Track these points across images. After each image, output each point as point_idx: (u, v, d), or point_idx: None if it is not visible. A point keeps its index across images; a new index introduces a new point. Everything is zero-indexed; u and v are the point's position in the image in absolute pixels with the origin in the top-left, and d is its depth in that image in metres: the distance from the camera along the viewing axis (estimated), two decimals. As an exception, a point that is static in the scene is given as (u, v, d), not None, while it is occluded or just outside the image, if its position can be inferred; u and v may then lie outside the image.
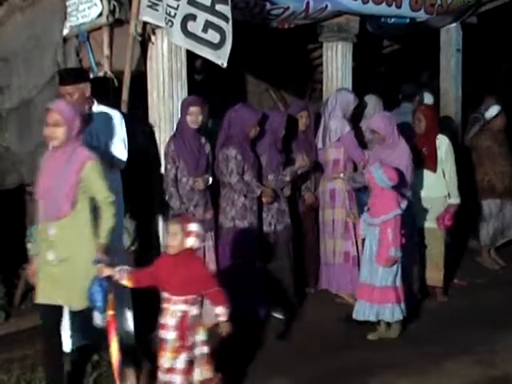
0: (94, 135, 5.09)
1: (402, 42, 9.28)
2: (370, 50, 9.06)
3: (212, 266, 5.86)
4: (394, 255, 5.66)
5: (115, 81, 5.96)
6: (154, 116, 6.13)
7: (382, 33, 8.34)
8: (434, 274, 6.76)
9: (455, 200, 6.75)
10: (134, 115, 5.85)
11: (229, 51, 5.62)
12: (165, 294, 4.29)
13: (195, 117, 5.77)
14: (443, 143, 6.74)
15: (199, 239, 4.31)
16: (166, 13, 5.61)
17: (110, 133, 5.19)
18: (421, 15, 7.83)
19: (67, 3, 6.18)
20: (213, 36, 5.63)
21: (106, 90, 5.97)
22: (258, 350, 5.51)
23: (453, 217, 6.75)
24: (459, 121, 8.90)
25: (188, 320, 4.26)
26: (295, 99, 8.00)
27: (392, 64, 9.93)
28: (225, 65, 5.68)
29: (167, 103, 6.04)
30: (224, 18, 5.58)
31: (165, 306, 4.29)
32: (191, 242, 4.25)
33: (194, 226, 4.27)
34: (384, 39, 9.25)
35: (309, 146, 6.68)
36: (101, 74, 6.01)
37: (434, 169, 6.68)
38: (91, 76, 6.00)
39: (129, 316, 5.37)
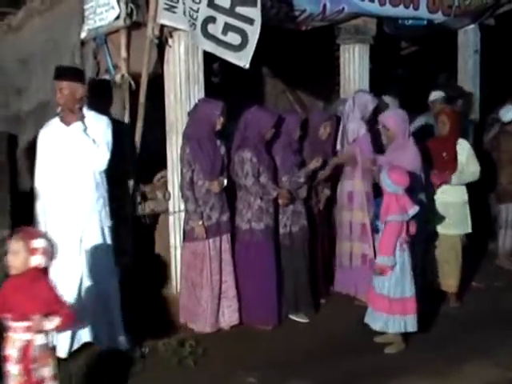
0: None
1: (420, 44, 9.25)
2: (388, 51, 9.04)
3: (229, 268, 5.87)
4: (381, 263, 5.44)
5: (132, 83, 5.98)
6: (171, 118, 6.15)
7: (399, 34, 8.33)
8: (450, 281, 6.62)
9: (455, 179, 6.61)
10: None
11: (251, 53, 5.63)
12: (6, 321, 3.73)
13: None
14: (465, 148, 6.64)
15: (46, 256, 3.74)
16: (190, 15, 5.64)
17: (94, 134, 5.21)
18: (438, 17, 7.81)
19: (85, 6, 6.23)
20: (233, 38, 5.64)
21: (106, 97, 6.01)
22: (276, 353, 5.51)
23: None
24: (477, 123, 8.86)
25: (32, 351, 3.70)
26: (317, 109, 7.99)
27: (410, 65, 9.90)
28: (247, 66, 5.69)
29: (184, 105, 6.06)
30: (247, 20, 5.59)
31: (7, 334, 3.74)
32: (37, 260, 3.71)
33: (39, 242, 3.72)
34: (401, 41, 9.23)
35: (326, 153, 6.64)
36: (118, 76, 6.04)
37: (453, 172, 6.55)
38: (108, 78, 6.07)
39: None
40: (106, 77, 6.12)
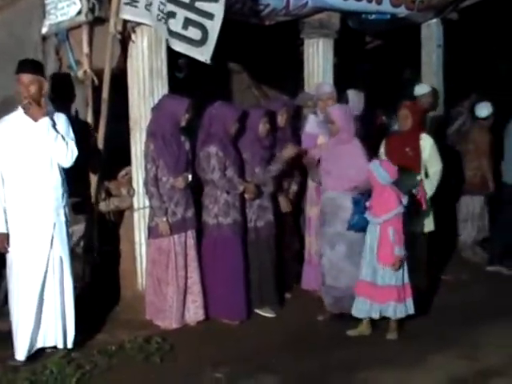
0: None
1: (384, 38, 9.29)
2: (353, 46, 9.07)
3: (194, 263, 5.85)
4: (399, 254, 5.56)
5: (95, 79, 5.93)
6: (134, 114, 6.10)
7: (363, 29, 8.36)
8: (417, 278, 6.32)
9: (429, 191, 6.52)
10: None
11: (213, 48, 5.62)
12: None
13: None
14: (428, 143, 6.53)
15: None
16: (159, 9, 5.61)
17: (60, 130, 5.16)
18: (401, 11, 7.85)
19: (46, 1, 6.16)
20: (194, 33, 5.63)
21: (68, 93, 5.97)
22: (244, 348, 5.51)
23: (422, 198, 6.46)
24: (441, 116, 8.92)
25: None
26: (275, 97, 7.99)
27: (375, 60, 9.94)
28: (208, 61, 5.68)
29: (148, 101, 6.02)
30: (207, 15, 5.57)
31: None
32: None
33: None
34: (366, 35, 9.27)
35: (287, 140, 6.59)
36: (81, 72, 5.98)
37: (418, 171, 6.47)
38: (71, 74, 6.01)
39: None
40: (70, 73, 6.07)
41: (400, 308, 5.66)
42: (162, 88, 6.08)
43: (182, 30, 5.63)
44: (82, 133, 5.59)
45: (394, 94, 9.38)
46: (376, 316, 5.68)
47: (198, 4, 5.57)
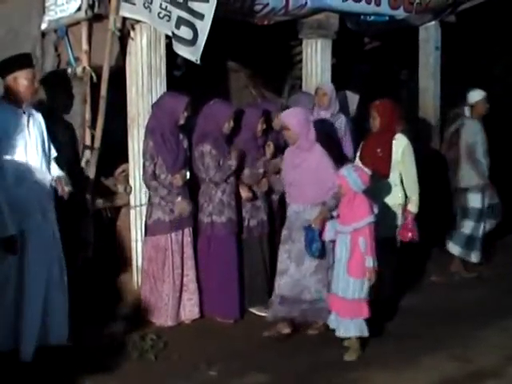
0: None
1: (382, 40, 9.32)
2: (351, 47, 9.09)
3: (190, 262, 5.87)
4: (370, 265, 5.24)
5: (94, 76, 5.94)
6: (132, 111, 6.11)
7: (361, 30, 8.38)
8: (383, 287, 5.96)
9: (414, 208, 6.16)
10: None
11: (202, 48, 5.61)
12: None
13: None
14: (402, 144, 6.14)
15: None
16: (160, 7, 5.63)
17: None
18: (400, 13, 7.88)
19: (45, -3, 6.16)
20: (185, 32, 5.63)
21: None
22: (237, 347, 5.53)
23: (413, 227, 6.17)
24: (438, 118, 8.96)
25: None
26: (273, 99, 8.00)
27: (372, 61, 9.97)
28: (198, 61, 5.69)
29: (146, 98, 6.03)
30: (198, 15, 5.57)
31: None
32: None
33: None
34: (364, 36, 9.29)
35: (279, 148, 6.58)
36: (79, 69, 5.99)
37: (386, 173, 6.11)
38: (69, 72, 6.01)
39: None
40: (68, 70, 6.07)
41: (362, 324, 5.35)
42: (160, 85, 6.09)
43: (175, 29, 5.64)
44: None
45: (392, 95, 9.41)
46: (342, 335, 5.35)
47: (190, 3, 5.57)
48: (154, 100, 5.97)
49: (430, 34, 8.89)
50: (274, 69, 8.64)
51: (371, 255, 5.26)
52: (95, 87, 5.95)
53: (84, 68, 5.96)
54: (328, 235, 5.47)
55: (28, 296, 4.95)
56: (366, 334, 5.35)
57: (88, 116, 6.00)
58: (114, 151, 6.12)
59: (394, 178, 6.14)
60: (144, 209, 5.96)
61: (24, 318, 4.97)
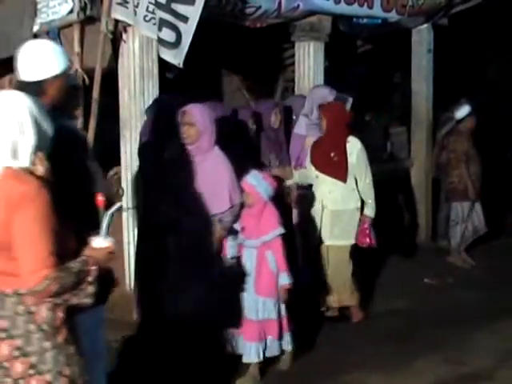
0: None
1: (375, 42, 9.33)
2: (344, 49, 9.10)
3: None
4: (285, 282, 4.77)
5: (86, 78, 5.92)
6: (125, 114, 6.10)
7: (354, 33, 8.39)
8: (344, 295, 5.99)
9: (371, 212, 5.95)
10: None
11: (185, 51, 5.58)
12: None
13: None
14: (355, 147, 5.94)
15: None
16: (147, 10, 5.61)
17: None
18: (392, 16, 7.89)
19: (37, 0, 6.14)
20: (168, 34, 5.59)
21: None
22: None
23: (370, 232, 5.97)
24: (431, 121, 8.98)
25: None
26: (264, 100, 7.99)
27: (366, 64, 9.98)
28: (181, 65, 5.66)
29: (138, 101, 6.02)
30: (182, 17, 5.53)
31: None
32: None
33: None
34: (357, 39, 9.30)
35: (279, 146, 6.60)
36: (72, 71, 5.97)
37: (343, 178, 5.90)
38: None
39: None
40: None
41: (275, 345, 4.92)
42: (152, 88, 6.08)
43: (158, 31, 5.61)
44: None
45: (385, 98, 9.46)
46: (260, 358, 4.84)
47: (173, 5, 5.51)
48: (147, 103, 5.95)
49: (422, 37, 8.90)
50: (266, 71, 8.65)
51: (284, 271, 4.79)
52: (87, 90, 5.93)
53: (76, 70, 5.95)
54: (230, 252, 4.93)
55: None
56: (278, 352, 4.95)
57: (80, 118, 5.98)
58: (106, 153, 6.10)
59: (349, 182, 5.95)
60: (136, 211, 5.95)
61: None
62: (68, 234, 2.81)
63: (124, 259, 6.15)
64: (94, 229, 2.91)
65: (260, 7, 6.65)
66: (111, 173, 6.21)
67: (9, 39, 6.15)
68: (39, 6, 6.13)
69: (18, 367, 2.73)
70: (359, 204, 5.98)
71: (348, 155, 5.90)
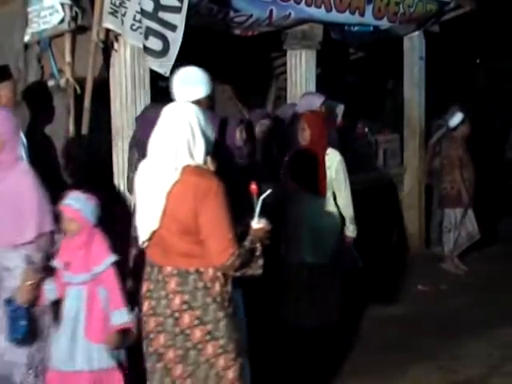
0: None
1: (367, 50, 9.35)
2: (336, 57, 9.12)
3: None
4: (123, 321, 3.94)
5: (77, 88, 5.91)
6: (116, 123, 6.09)
7: (346, 40, 8.40)
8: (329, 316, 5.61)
9: (352, 232, 5.66)
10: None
11: (173, 60, 5.54)
12: None
13: None
14: (334, 160, 5.62)
15: None
16: (134, 19, 5.60)
17: None
18: (384, 23, 7.90)
19: (28, 9, 6.12)
20: (155, 43, 5.53)
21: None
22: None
23: (353, 253, 5.79)
24: (423, 128, 9.00)
25: None
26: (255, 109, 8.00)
27: (358, 72, 10.01)
28: (168, 74, 5.64)
29: (130, 110, 6.00)
30: (169, 26, 5.48)
31: None
32: None
33: None
34: (349, 47, 9.32)
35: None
36: (63, 80, 5.97)
37: (323, 192, 5.58)
38: (52, 83, 5.98)
39: None
40: (51, 82, 6.04)
41: None
42: (144, 97, 6.06)
43: (144, 40, 5.56)
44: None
45: (377, 105, 9.48)
46: None
47: (160, 14, 5.45)
48: (139, 112, 5.94)
49: (414, 44, 8.93)
50: (258, 80, 8.66)
51: (119, 308, 3.99)
52: (79, 99, 5.92)
53: (67, 80, 5.93)
54: (50, 296, 4.05)
55: None
56: None
57: (72, 128, 5.97)
58: (98, 163, 6.09)
59: (328, 197, 5.63)
60: (129, 220, 5.93)
61: None
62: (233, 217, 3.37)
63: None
64: (249, 212, 3.46)
65: (251, 15, 6.64)
66: (103, 182, 6.20)
67: (0, 49, 6.14)
68: (30, 16, 6.10)
69: (197, 334, 3.35)
70: (339, 221, 5.66)
71: (327, 168, 5.59)
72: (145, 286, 3.51)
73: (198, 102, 3.92)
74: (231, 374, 3.39)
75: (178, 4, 5.44)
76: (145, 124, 5.73)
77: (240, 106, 9.06)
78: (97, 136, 6.00)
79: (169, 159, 3.36)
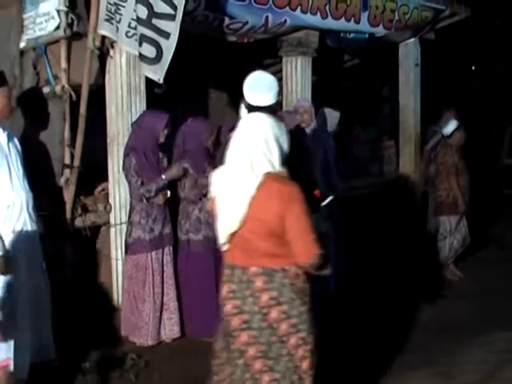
0: None
1: (363, 57, 9.38)
2: (332, 64, 9.14)
3: (171, 280, 5.82)
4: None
5: (73, 94, 5.91)
6: (112, 130, 6.09)
7: (341, 47, 8.43)
8: None
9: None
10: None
11: (166, 67, 5.57)
12: None
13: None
14: None
15: None
16: (129, 26, 5.61)
17: None
18: (379, 30, 7.94)
19: (24, 16, 6.14)
20: (148, 50, 5.57)
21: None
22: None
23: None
24: (418, 134, 9.02)
25: None
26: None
27: (354, 78, 10.03)
28: (161, 81, 5.66)
29: (125, 117, 6.01)
30: (163, 33, 5.51)
31: None
32: None
33: None
34: (345, 54, 9.35)
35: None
36: (58, 87, 5.97)
37: None
38: (48, 90, 5.98)
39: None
40: (47, 88, 6.04)
41: None
42: (139, 104, 6.08)
43: (138, 47, 5.60)
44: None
45: (373, 112, 9.49)
46: None
47: (154, 21, 5.50)
48: (134, 118, 5.95)
49: (409, 51, 8.97)
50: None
51: None
52: (75, 105, 5.92)
53: (63, 86, 5.94)
54: None
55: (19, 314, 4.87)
56: None
57: (67, 134, 5.97)
58: (94, 169, 6.09)
59: None
60: (124, 227, 5.93)
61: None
62: None
63: (112, 275, 6.12)
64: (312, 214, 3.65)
65: (247, 22, 6.67)
66: (99, 188, 6.22)
67: (-4, 55, 6.15)
68: (26, 23, 6.12)
69: (284, 326, 3.58)
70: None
71: None
72: (226, 288, 3.70)
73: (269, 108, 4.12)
74: (305, 364, 3.64)
75: (172, 12, 5.47)
76: (139, 131, 5.76)
77: (236, 113, 9.06)
78: (92, 142, 6.00)
79: (247, 168, 3.53)
